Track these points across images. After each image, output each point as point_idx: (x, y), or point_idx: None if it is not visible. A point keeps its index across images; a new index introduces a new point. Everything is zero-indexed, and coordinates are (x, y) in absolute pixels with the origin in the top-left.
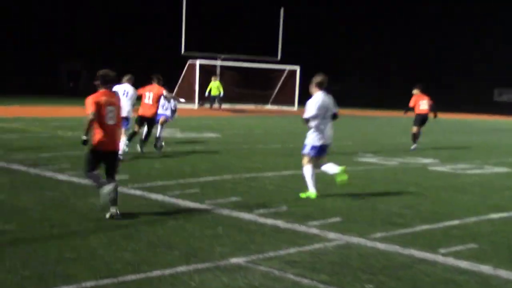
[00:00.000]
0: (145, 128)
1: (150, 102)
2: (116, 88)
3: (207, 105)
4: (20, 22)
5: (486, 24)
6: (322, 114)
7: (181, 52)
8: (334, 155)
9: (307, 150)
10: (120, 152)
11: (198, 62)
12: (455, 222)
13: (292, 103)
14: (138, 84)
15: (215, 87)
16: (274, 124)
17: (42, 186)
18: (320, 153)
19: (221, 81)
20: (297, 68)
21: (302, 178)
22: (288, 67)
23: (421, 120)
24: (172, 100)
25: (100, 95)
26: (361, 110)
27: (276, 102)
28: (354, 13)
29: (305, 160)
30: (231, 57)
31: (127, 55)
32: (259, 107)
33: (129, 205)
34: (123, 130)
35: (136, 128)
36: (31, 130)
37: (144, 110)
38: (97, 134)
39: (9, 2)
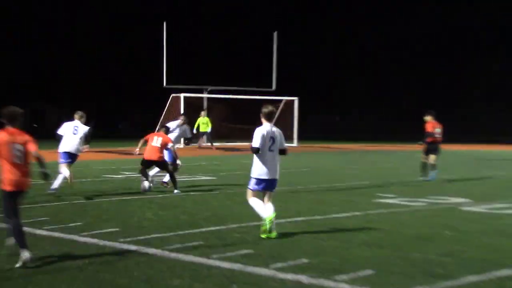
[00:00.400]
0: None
1: (158, 145)
2: (66, 125)
3: (194, 144)
4: None
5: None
6: (267, 146)
7: (163, 84)
8: (351, 195)
9: (250, 185)
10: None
11: (182, 96)
12: (508, 271)
13: (291, 139)
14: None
15: (204, 123)
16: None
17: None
18: (265, 188)
19: (209, 116)
20: (295, 99)
21: (319, 224)
22: (285, 98)
23: (434, 148)
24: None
25: (5, 134)
26: (370, 144)
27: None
28: (357, 38)
29: (249, 194)
30: (219, 89)
31: (97, 89)
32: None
33: (124, 262)
34: (64, 165)
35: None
36: None
37: (151, 154)
38: (6, 173)
39: None
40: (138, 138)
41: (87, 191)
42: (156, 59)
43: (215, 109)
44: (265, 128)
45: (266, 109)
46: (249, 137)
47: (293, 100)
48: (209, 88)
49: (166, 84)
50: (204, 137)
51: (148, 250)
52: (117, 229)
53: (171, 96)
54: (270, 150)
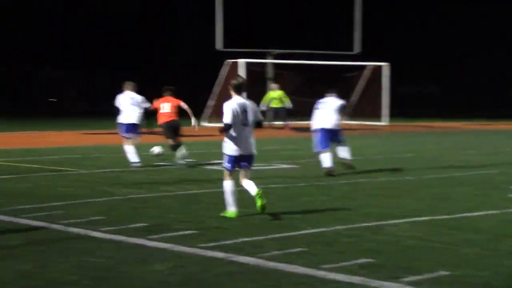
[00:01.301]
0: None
1: (169, 110)
2: (121, 96)
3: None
4: None
5: None
6: (240, 120)
7: (214, 47)
8: (479, 188)
9: (225, 163)
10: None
11: (242, 62)
12: None
13: (378, 116)
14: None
15: (276, 97)
16: (366, 146)
17: (74, 247)
18: (240, 165)
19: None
20: (384, 65)
21: (448, 225)
22: (371, 64)
23: None
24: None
25: None
26: (477, 122)
27: (355, 114)
28: None
29: (225, 174)
30: (288, 53)
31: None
32: None
33: (212, 274)
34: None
35: (170, 141)
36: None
37: (165, 118)
38: None
39: None
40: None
41: (141, 183)
42: (205, 13)
43: (283, 79)
44: (235, 101)
45: (235, 81)
46: None
47: (381, 67)
48: (275, 51)
49: (222, 46)
50: (279, 115)
51: (240, 258)
52: (192, 231)
53: (226, 62)
54: (243, 124)
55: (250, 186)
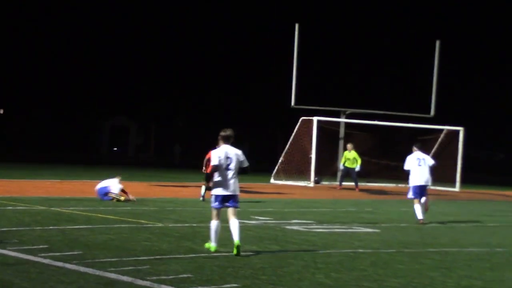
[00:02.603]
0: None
1: None
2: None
3: (324, 182)
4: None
5: None
6: (224, 165)
7: (290, 104)
8: None
9: (212, 202)
10: None
11: (315, 120)
12: None
13: (452, 181)
14: None
15: (351, 158)
16: (444, 213)
17: None
18: (225, 205)
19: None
20: (460, 130)
21: None
22: (447, 128)
23: None
24: None
25: None
26: None
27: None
28: None
29: (212, 214)
30: (361, 112)
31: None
32: (402, 185)
33: None
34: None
35: None
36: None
37: None
38: None
39: None
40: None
41: (223, 240)
42: (283, 71)
43: (355, 138)
44: (222, 149)
45: (224, 133)
46: (398, 176)
47: (458, 131)
48: (348, 111)
49: (295, 103)
50: (351, 176)
51: None
52: None
53: (300, 119)
54: (227, 169)
55: (234, 231)
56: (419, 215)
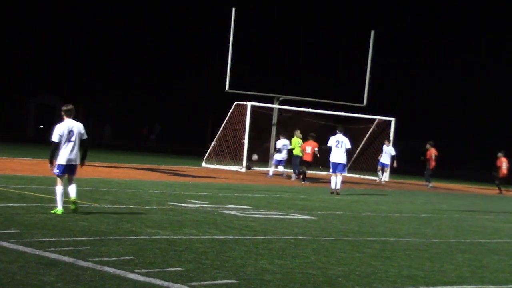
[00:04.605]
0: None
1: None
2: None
3: (255, 167)
4: None
5: None
6: (66, 137)
7: (224, 88)
8: (510, 257)
9: (55, 170)
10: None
11: (249, 104)
12: None
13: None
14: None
15: (297, 144)
16: (377, 203)
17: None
18: (66, 172)
19: (284, 134)
20: (392, 120)
21: None
22: (378, 117)
23: None
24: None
25: None
26: (478, 185)
27: (357, 168)
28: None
29: (57, 181)
30: (294, 99)
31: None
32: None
33: None
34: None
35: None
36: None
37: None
38: None
39: None
40: (174, 153)
41: (161, 223)
42: (218, 55)
43: (286, 125)
44: (65, 123)
45: (65, 107)
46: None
47: (390, 121)
48: (282, 97)
49: (229, 88)
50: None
51: None
52: (233, 281)
53: (234, 104)
54: (69, 141)
55: (72, 190)
56: (333, 185)
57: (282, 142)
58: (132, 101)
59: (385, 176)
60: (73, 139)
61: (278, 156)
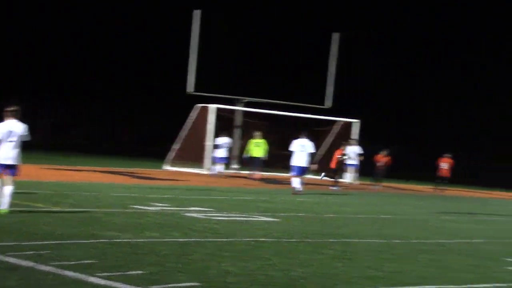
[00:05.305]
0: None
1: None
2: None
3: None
4: None
5: None
6: (5, 137)
7: (186, 90)
8: (475, 259)
9: None
10: None
11: (212, 106)
12: None
13: (345, 172)
14: None
15: (258, 146)
16: (341, 204)
17: None
18: (5, 170)
19: (245, 136)
20: (355, 122)
21: None
22: (342, 119)
23: None
24: None
25: None
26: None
27: (322, 170)
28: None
29: None
30: (259, 101)
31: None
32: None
33: None
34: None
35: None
36: None
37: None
38: None
39: None
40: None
41: (123, 226)
42: (181, 57)
43: (249, 127)
44: (7, 124)
45: (9, 108)
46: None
47: (351, 123)
48: (246, 99)
49: (192, 90)
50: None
51: None
52: (196, 284)
53: (197, 106)
54: (9, 141)
55: (5, 199)
56: (296, 185)
57: (222, 140)
58: (87, 101)
59: (351, 177)
60: (13, 139)
61: (218, 154)
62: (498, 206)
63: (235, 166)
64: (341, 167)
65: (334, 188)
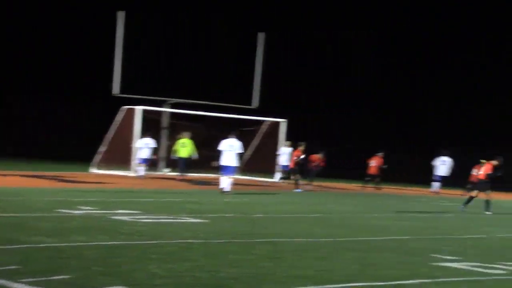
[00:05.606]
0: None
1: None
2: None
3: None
4: None
5: None
6: None
7: (112, 92)
8: (400, 255)
9: None
10: None
11: (138, 108)
12: None
13: (272, 172)
14: None
15: (184, 146)
16: (270, 204)
17: None
18: None
19: (173, 137)
20: (282, 122)
21: None
22: (269, 119)
23: None
24: None
25: None
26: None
27: (250, 170)
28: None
29: None
30: (186, 102)
31: None
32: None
33: None
34: None
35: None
36: None
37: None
38: None
39: None
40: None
41: (49, 231)
42: (107, 58)
43: (177, 128)
44: None
45: None
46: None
47: (278, 123)
48: (172, 100)
49: (118, 92)
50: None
51: None
52: (122, 287)
53: (123, 109)
54: None
55: None
56: (224, 185)
57: (143, 141)
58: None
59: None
60: None
61: (141, 155)
62: (424, 203)
63: (163, 167)
64: (300, 168)
65: (298, 190)
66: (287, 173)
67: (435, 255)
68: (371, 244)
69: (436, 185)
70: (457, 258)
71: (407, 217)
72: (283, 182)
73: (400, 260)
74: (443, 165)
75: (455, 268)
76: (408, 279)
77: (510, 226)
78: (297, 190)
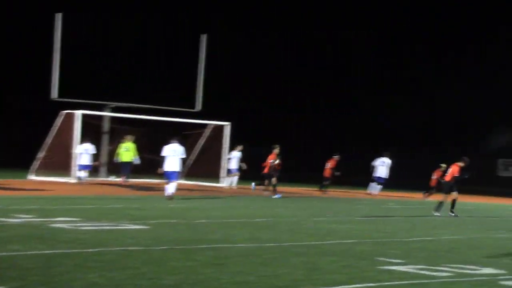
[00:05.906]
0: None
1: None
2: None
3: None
4: None
5: None
6: None
7: (50, 96)
8: (347, 259)
9: None
10: None
11: (78, 113)
12: None
13: (217, 176)
14: None
15: (128, 150)
16: (213, 209)
17: None
18: None
19: (114, 142)
20: (226, 125)
21: None
22: (212, 123)
23: None
24: None
25: None
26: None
27: (194, 174)
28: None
29: None
30: (127, 106)
31: None
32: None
33: None
34: None
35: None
36: None
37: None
38: None
39: None
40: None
41: None
42: (45, 62)
43: (118, 133)
44: None
45: None
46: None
47: (222, 126)
48: (113, 104)
49: (56, 96)
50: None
51: None
52: None
53: (62, 113)
54: None
55: None
56: (168, 191)
57: (83, 147)
58: None
59: (229, 182)
60: None
61: (81, 161)
62: (373, 205)
63: (105, 173)
64: (275, 173)
65: (276, 196)
66: (261, 178)
67: (381, 259)
68: (318, 249)
69: (375, 186)
70: (403, 261)
71: (355, 221)
72: (257, 189)
73: (346, 264)
74: (382, 166)
75: (402, 271)
76: (354, 283)
77: (457, 228)
78: (276, 196)
